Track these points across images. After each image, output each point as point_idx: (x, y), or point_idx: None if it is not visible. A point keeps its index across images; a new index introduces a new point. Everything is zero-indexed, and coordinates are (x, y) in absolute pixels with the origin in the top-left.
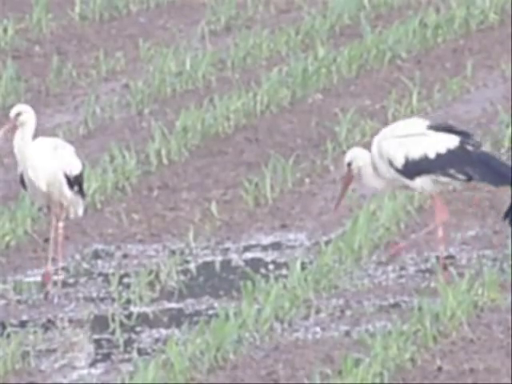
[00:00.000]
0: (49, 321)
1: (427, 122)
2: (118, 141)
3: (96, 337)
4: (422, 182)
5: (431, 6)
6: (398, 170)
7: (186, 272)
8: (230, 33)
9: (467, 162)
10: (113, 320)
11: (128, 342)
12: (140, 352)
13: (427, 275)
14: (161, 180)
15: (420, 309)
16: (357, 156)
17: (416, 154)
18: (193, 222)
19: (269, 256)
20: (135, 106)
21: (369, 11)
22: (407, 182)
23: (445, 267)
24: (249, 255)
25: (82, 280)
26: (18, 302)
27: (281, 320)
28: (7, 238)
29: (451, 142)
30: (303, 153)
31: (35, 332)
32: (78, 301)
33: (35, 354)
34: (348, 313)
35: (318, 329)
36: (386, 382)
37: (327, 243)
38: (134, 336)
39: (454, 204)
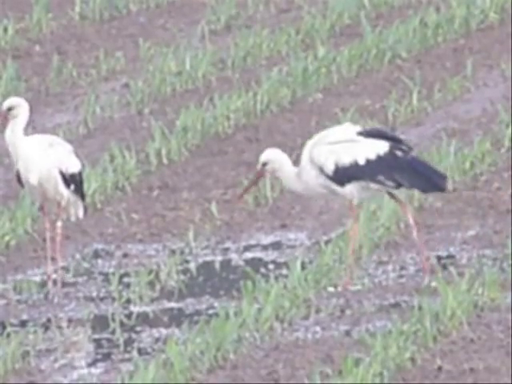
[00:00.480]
0: (49, 320)
1: (358, 129)
2: (118, 140)
3: (96, 336)
4: (351, 189)
5: (431, 5)
6: (328, 177)
7: (185, 272)
8: (229, 32)
9: (396, 168)
10: (113, 320)
11: (128, 342)
12: (140, 352)
13: (427, 275)
14: (161, 180)
15: (420, 308)
16: (273, 158)
17: (346, 160)
18: (193, 222)
19: (269, 256)
20: (135, 106)
21: (369, 11)
22: (337, 188)
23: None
24: (249, 255)
25: (82, 279)
26: (18, 301)
27: (281, 320)
28: (7, 238)
29: (381, 147)
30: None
31: (35, 332)
32: (78, 300)
33: (35, 353)
34: (348, 312)
35: (318, 328)
36: (385, 381)
37: (327, 243)
38: (133, 336)
39: (453, 204)
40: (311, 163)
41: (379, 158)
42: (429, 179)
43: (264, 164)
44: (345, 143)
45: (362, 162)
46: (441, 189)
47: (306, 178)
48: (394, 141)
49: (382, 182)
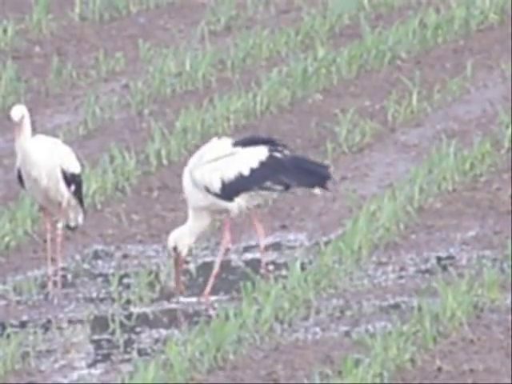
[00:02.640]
0: (49, 321)
1: (230, 141)
2: (118, 141)
3: (96, 337)
4: (240, 202)
5: (431, 6)
6: (216, 195)
7: (185, 272)
8: (229, 33)
9: (280, 170)
10: (113, 320)
11: (128, 342)
12: (140, 352)
13: (427, 275)
14: (161, 180)
15: (420, 309)
16: (177, 237)
17: (231, 174)
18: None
19: (269, 256)
20: (135, 107)
21: (369, 11)
22: (226, 204)
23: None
24: (249, 256)
25: (82, 280)
26: (18, 302)
27: (281, 320)
28: (7, 239)
29: (261, 153)
30: (303, 153)
31: (35, 332)
32: (78, 301)
33: (35, 354)
34: (348, 313)
35: (317, 329)
36: (385, 382)
37: (327, 244)
38: (133, 336)
39: (453, 205)
40: (195, 187)
41: (262, 164)
42: (314, 173)
43: (174, 248)
44: (225, 158)
45: (246, 172)
46: (326, 178)
47: (195, 204)
48: (269, 143)
49: (271, 187)
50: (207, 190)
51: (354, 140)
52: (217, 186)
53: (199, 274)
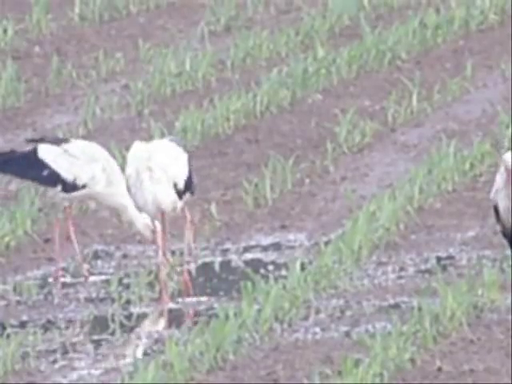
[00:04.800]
0: (49, 321)
1: None
2: (118, 141)
3: (96, 337)
4: None
5: (431, 6)
6: None
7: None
8: (229, 33)
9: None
10: (113, 320)
11: (128, 342)
12: (140, 352)
13: (427, 276)
14: None
15: (420, 309)
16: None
17: None
18: (193, 223)
19: (268, 256)
20: (135, 107)
21: (369, 12)
22: None
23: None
24: (248, 256)
25: (82, 280)
26: (18, 302)
27: (280, 320)
28: (7, 239)
29: None
30: (303, 153)
31: (35, 332)
32: (78, 301)
33: (35, 354)
34: (348, 313)
35: (317, 329)
36: (385, 382)
37: (327, 244)
38: (133, 336)
39: (453, 205)
40: None
41: None
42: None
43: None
44: None
45: None
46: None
47: None
48: None
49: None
50: None
51: (354, 140)
52: None
53: (199, 274)
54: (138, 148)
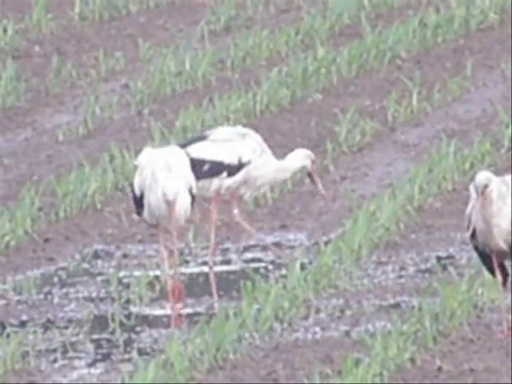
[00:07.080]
0: (48, 321)
1: None
2: (118, 141)
3: (96, 337)
4: None
5: (431, 5)
6: None
7: (185, 272)
8: (229, 33)
9: None
10: (113, 320)
11: (128, 342)
12: (140, 352)
13: (427, 275)
14: None
15: (420, 309)
16: None
17: None
18: (192, 222)
19: (268, 256)
20: (135, 106)
21: (369, 11)
22: None
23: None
24: (248, 255)
25: (82, 280)
26: (18, 302)
27: (280, 320)
28: (7, 238)
29: None
30: None
31: (35, 332)
32: (78, 301)
33: (35, 353)
34: (348, 313)
35: (317, 329)
36: (385, 381)
37: (327, 243)
38: (133, 336)
39: (453, 204)
40: None
41: None
42: None
43: None
44: None
45: None
46: None
47: None
48: None
49: None
50: None
51: (354, 140)
52: None
53: (199, 273)
54: (150, 152)
